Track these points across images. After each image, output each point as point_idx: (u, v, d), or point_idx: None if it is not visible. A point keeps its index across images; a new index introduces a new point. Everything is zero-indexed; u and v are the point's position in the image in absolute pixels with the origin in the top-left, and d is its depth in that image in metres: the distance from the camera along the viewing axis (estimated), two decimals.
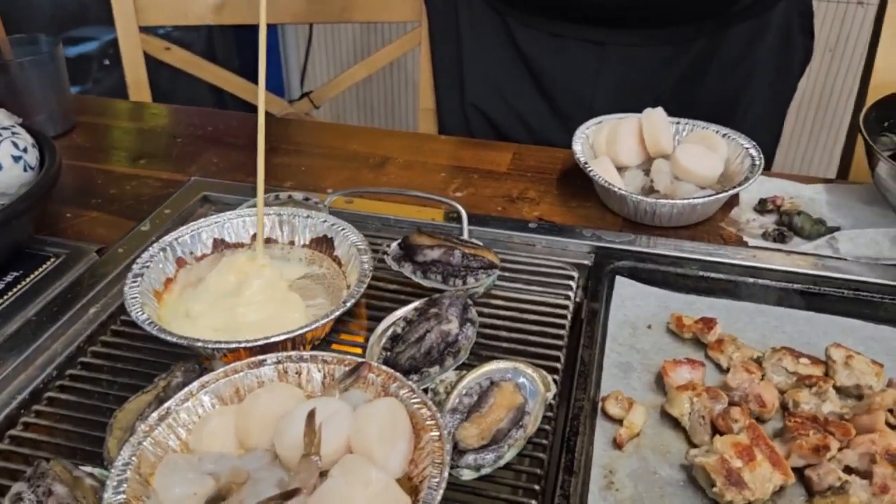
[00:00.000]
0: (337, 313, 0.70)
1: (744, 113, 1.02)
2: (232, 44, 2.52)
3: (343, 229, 0.82)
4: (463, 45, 1.26)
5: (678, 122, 1.01)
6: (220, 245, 0.83)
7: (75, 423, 0.68)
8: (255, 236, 0.83)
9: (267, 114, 1.71)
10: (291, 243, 0.84)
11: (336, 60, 2.83)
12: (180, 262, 0.80)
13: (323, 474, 0.55)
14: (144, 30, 1.49)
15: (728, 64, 1.11)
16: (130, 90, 1.50)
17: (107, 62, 2.14)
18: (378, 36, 2.67)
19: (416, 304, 0.75)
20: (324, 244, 0.83)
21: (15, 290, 0.82)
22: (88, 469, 0.59)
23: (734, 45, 1.10)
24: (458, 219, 0.90)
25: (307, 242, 0.84)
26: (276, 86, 2.83)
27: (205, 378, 0.63)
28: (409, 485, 0.56)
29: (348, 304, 0.71)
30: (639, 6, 1.07)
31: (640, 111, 0.99)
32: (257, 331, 0.69)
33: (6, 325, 0.77)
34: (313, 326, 0.69)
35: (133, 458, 0.56)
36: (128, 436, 0.61)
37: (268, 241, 0.84)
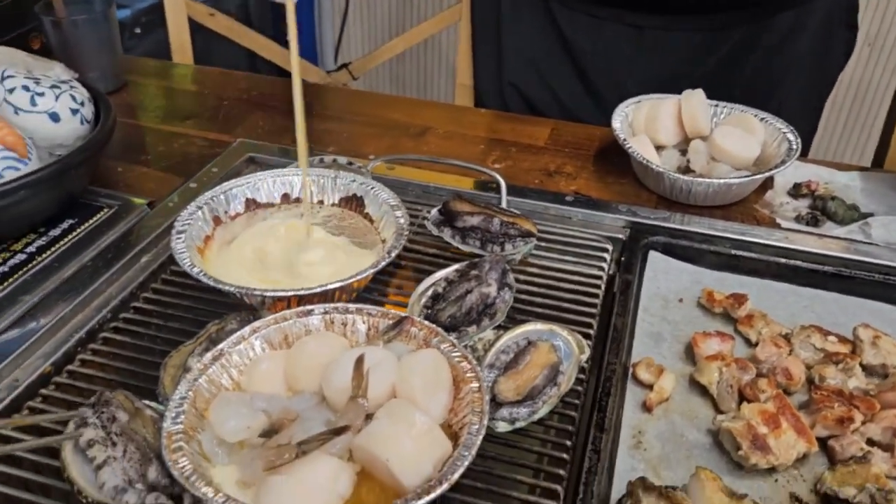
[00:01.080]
0: (382, 264, 0.73)
1: (779, 103, 1.03)
2: (268, 12, 2.54)
3: (373, 188, 0.84)
4: (503, 22, 1.28)
5: (717, 105, 1.02)
6: (252, 205, 0.86)
7: (128, 361, 0.72)
8: (285, 196, 0.86)
9: (307, 82, 1.74)
10: (320, 202, 0.87)
11: (371, 34, 2.85)
12: (216, 221, 0.82)
13: (368, 417, 0.58)
14: None
15: (766, 53, 1.12)
16: (174, 54, 1.53)
17: (138, 30, 2.17)
18: (414, 11, 2.68)
19: (456, 266, 0.77)
20: (353, 203, 0.86)
21: (70, 236, 0.85)
22: (146, 402, 0.62)
23: (774, 35, 1.10)
24: (497, 189, 0.92)
25: (336, 202, 0.87)
26: (310, 57, 2.85)
27: (256, 324, 0.66)
28: (449, 432, 0.59)
29: (392, 255, 0.74)
30: None
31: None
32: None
33: (63, 269, 0.81)
34: (359, 277, 0.72)
35: (189, 393, 0.59)
36: (182, 373, 0.64)
37: (297, 200, 0.87)
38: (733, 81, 1.07)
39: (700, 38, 1.10)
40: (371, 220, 0.84)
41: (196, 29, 1.59)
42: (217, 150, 1.03)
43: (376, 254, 0.80)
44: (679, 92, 1.00)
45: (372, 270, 0.73)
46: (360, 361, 0.58)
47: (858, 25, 1.18)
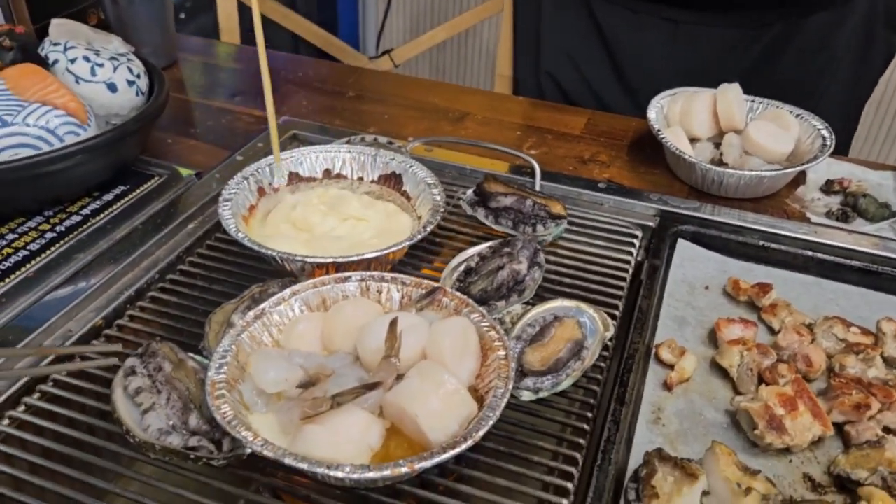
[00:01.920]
0: (418, 237, 0.76)
1: (816, 103, 1.03)
2: None
3: (411, 166, 0.87)
4: (543, 13, 1.30)
5: (752, 101, 1.03)
6: (294, 178, 0.89)
7: (173, 319, 0.76)
8: (327, 171, 0.90)
9: (349, 65, 1.78)
10: (360, 179, 0.90)
11: (412, 22, 2.88)
12: (261, 192, 0.86)
13: (399, 377, 0.61)
14: None
15: (804, 52, 1.12)
16: (223, 34, 1.58)
17: (182, 15, 2.23)
18: (456, 2, 2.71)
19: (490, 243, 0.80)
20: (392, 180, 0.89)
21: (123, 201, 0.90)
22: (190, 354, 0.66)
23: (812, 34, 1.10)
24: (532, 173, 0.95)
25: (375, 178, 0.90)
26: (352, 43, 2.89)
27: (296, 287, 0.70)
28: (476, 396, 0.62)
29: (428, 229, 0.77)
30: None
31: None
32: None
33: (115, 232, 0.85)
34: (394, 248, 0.75)
35: (232, 347, 0.63)
36: (225, 328, 0.68)
37: (338, 176, 0.90)
38: (767, 79, 1.07)
39: (735, 35, 1.11)
40: (408, 198, 0.88)
41: (244, 11, 1.63)
42: (262, 127, 1.07)
43: (413, 225, 0.83)
44: (713, 87, 1.01)
45: (408, 243, 0.76)
46: (394, 324, 0.61)
47: None
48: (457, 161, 1.00)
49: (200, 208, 0.90)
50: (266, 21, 1.70)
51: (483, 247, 0.80)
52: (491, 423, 0.56)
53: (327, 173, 0.90)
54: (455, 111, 1.13)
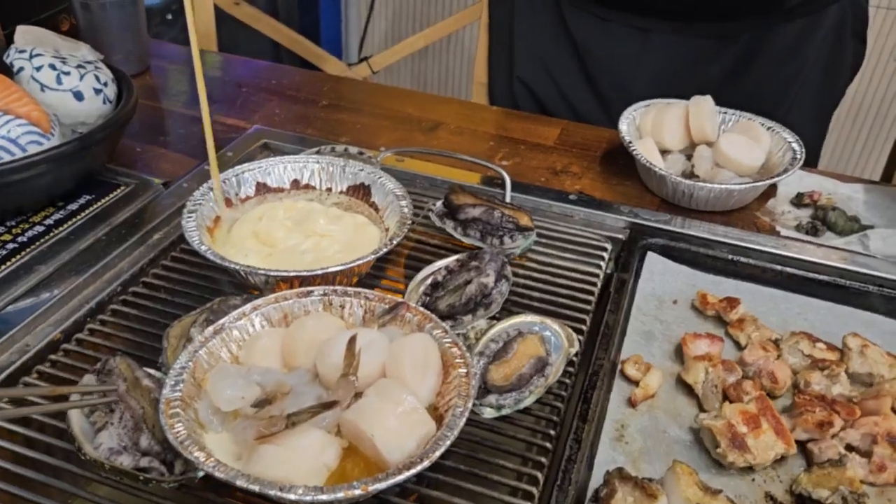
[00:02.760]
0: (384, 250, 0.76)
1: (786, 112, 1.03)
2: (295, 5, 2.58)
3: (380, 177, 0.87)
4: (515, 19, 1.30)
5: (725, 112, 1.03)
6: (262, 189, 0.88)
7: (134, 332, 0.75)
8: (295, 182, 0.89)
9: (325, 73, 1.76)
10: (329, 190, 0.89)
11: (396, 28, 2.87)
12: (227, 202, 0.85)
13: (358, 395, 0.60)
14: None
15: (773, 62, 1.12)
16: (200, 40, 1.56)
17: (169, 17, 2.22)
18: (439, 7, 2.70)
19: (457, 256, 0.79)
20: (360, 191, 0.88)
21: (87, 211, 0.89)
22: (149, 370, 0.65)
23: (782, 44, 1.11)
24: (503, 184, 0.94)
25: (344, 189, 0.89)
26: (335, 48, 2.89)
27: (257, 301, 0.69)
28: (435, 414, 0.61)
29: (395, 242, 0.76)
30: None
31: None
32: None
33: (77, 242, 0.84)
34: (360, 262, 0.74)
35: (189, 363, 0.62)
36: (183, 342, 0.67)
37: (306, 187, 0.89)
38: (739, 88, 1.08)
39: (707, 45, 1.11)
40: (377, 209, 0.87)
41: (223, 19, 1.62)
42: (233, 136, 1.06)
43: (381, 238, 0.83)
44: (684, 97, 1.01)
45: (373, 256, 0.75)
46: (352, 341, 0.61)
47: (868, 39, 1.18)
48: (428, 172, 0.99)
49: (166, 219, 0.89)
50: (246, 29, 1.69)
51: (450, 260, 0.79)
52: (448, 442, 0.56)
53: (295, 184, 0.90)
54: (428, 121, 1.12)
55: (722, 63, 1.12)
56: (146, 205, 0.91)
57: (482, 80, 1.53)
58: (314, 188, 0.90)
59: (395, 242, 0.77)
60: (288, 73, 1.25)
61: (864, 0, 1.15)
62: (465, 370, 0.62)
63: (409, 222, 0.80)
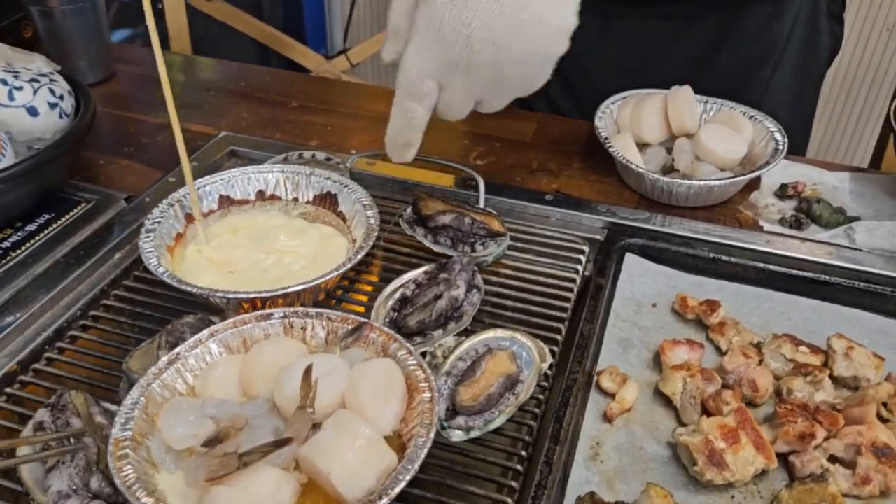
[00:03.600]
0: (348, 266, 0.73)
1: (760, 96, 1.00)
2: (279, 3, 2.53)
3: (347, 186, 0.84)
4: None
5: (706, 101, 1.00)
6: (226, 202, 0.86)
7: (94, 360, 0.72)
8: (260, 193, 0.86)
9: (298, 71, 1.73)
10: (295, 200, 0.87)
11: (380, 16, 2.82)
12: (189, 218, 0.82)
13: (316, 426, 0.58)
14: None
15: (740, 45, 1.08)
16: (172, 40, 1.53)
17: (160, 6, 2.18)
18: None
19: (426, 267, 0.77)
20: (327, 200, 0.85)
21: (45, 232, 0.86)
22: (106, 405, 0.63)
23: (747, 27, 1.07)
24: (477, 187, 0.91)
25: (311, 199, 0.86)
26: (320, 40, 2.84)
27: (214, 327, 0.66)
28: (399, 442, 0.59)
29: (359, 256, 0.74)
30: None
31: (641, 86, 0.99)
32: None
33: (36, 265, 0.81)
34: (324, 279, 0.71)
35: (141, 399, 0.60)
36: (138, 377, 0.64)
37: (272, 198, 0.86)
38: (706, 73, 1.03)
39: (668, 28, 1.06)
40: (344, 219, 0.84)
41: (202, 20, 1.58)
42: (200, 143, 1.03)
43: (349, 249, 0.80)
44: (648, 84, 0.98)
45: (336, 273, 0.73)
46: (308, 371, 0.58)
47: (845, 18, 1.14)
48: (400, 175, 0.96)
49: (128, 236, 0.86)
50: (229, 30, 1.65)
51: (419, 272, 0.76)
52: (409, 476, 0.53)
53: (261, 195, 0.87)
54: None
55: (685, 47, 1.08)
56: (108, 222, 0.88)
57: None
58: (280, 199, 0.87)
59: (359, 256, 0.74)
60: (257, 73, 1.22)
61: None
62: (429, 395, 0.59)
63: (376, 233, 0.78)
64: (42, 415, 0.62)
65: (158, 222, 0.79)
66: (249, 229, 0.82)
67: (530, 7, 0.66)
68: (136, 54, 1.29)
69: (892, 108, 0.91)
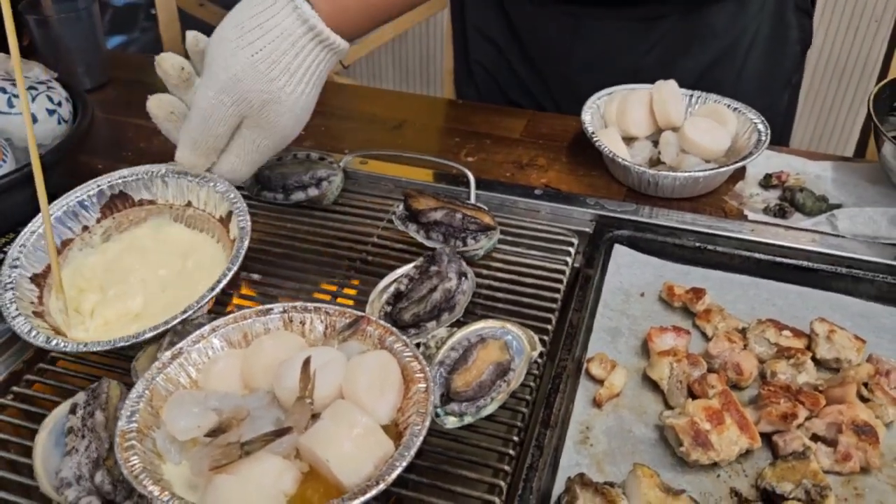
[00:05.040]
0: (222, 284, 0.72)
1: (730, 91, 1.02)
2: None
3: (208, 180, 0.83)
4: (466, 4, 1.28)
5: (691, 95, 1.02)
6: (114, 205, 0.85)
7: (99, 359, 0.74)
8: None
9: None
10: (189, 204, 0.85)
11: None
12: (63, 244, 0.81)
13: (315, 417, 0.60)
14: None
15: (705, 42, 1.11)
16: (165, 45, 1.55)
17: (154, 11, 2.20)
18: None
19: (415, 262, 0.79)
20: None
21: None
22: None
23: (711, 23, 1.09)
24: (468, 183, 0.93)
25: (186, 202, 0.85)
26: None
27: (216, 322, 0.68)
28: (396, 430, 0.61)
29: (232, 271, 0.73)
30: None
31: (618, 83, 1.01)
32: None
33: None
34: (197, 307, 0.70)
35: (146, 392, 0.62)
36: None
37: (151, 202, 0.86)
38: (677, 70, 1.06)
39: (637, 28, 1.09)
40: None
41: (197, 25, 1.60)
42: None
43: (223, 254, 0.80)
44: (623, 81, 1.01)
45: (211, 294, 0.71)
46: (306, 363, 0.60)
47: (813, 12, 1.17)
48: (393, 173, 0.98)
49: None
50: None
51: (409, 267, 0.79)
52: (405, 463, 0.56)
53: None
54: (393, 119, 1.11)
55: (657, 45, 1.10)
56: None
57: (450, 66, 1.51)
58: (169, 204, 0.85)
59: (232, 272, 0.73)
60: None
61: None
62: (424, 385, 0.61)
63: (247, 240, 0.76)
64: (79, 397, 0.64)
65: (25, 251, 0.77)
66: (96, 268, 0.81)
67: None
68: (131, 60, 1.31)
69: (871, 97, 0.93)
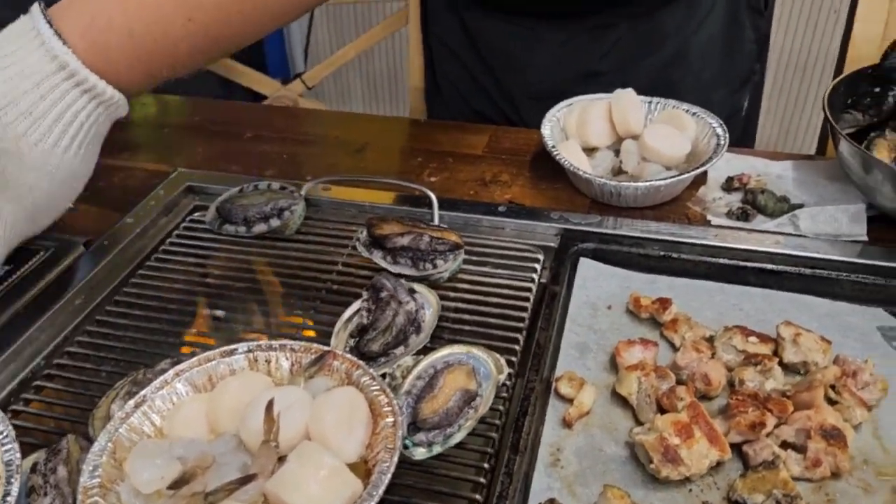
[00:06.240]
0: None
1: (685, 95, 1.03)
2: None
3: None
4: (429, 18, 1.29)
5: (650, 101, 1.03)
6: None
7: (62, 410, 0.73)
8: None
9: (253, 100, 1.73)
10: None
11: (339, 38, 2.83)
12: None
13: (282, 459, 0.59)
14: None
15: (661, 42, 1.12)
16: None
17: None
18: (380, 13, 2.67)
19: (362, 297, 0.78)
20: None
21: (5, 284, 0.86)
22: None
23: (667, 27, 1.11)
24: (431, 204, 0.93)
25: None
26: (280, 64, 2.85)
27: (179, 366, 0.67)
28: (365, 468, 0.60)
29: None
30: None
31: (578, 91, 1.02)
32: None
33: None
34: None
35: (109, 444, 0.61)
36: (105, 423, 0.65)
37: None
38: (634, 76, 1.07)
39: (591, 36, 1.10)
40: None
41: None
42: (157, 182, 1.03)
43: None
44: (582, 86, 1.01)
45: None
46: (270, 406, 0.59)
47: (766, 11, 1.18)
48: (356, 198, 0.98)
49: (89, 281, 0.87)
50: None
51: (359, 303, 0.78)
52: (374, 502, 0.55)
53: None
54: (355, 142, 1.11)
55: (612, 53, 1.11)
56: (67, 268, 0.89)
57: (417, 84, 1.51)
58: None
59: None
60: (210, 106, 1.23)
61: None
62: (391, 419, 0.61)
63: None
64: (38, 456, 0.63)
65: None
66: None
67: None
68: None
69: (826, 94, 0.94)
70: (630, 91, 1.00)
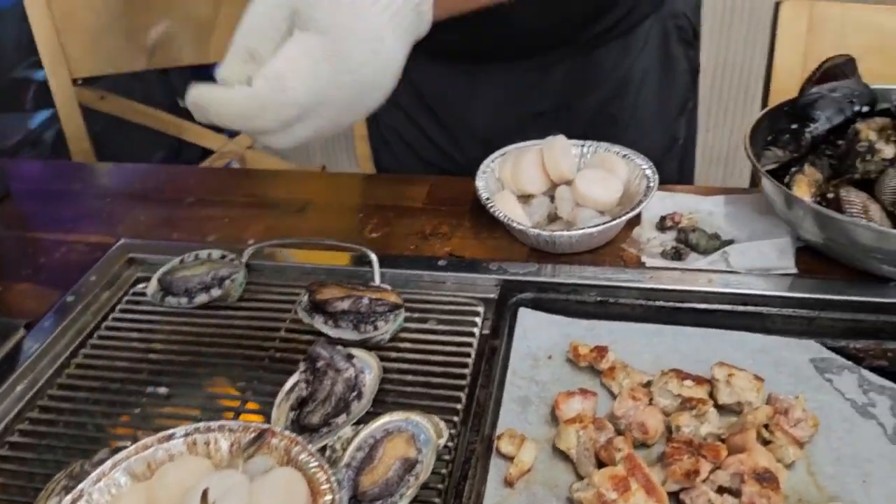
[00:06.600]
0: None
1: (625, 127, 1.06)
2: (187, 76, 2.54)
3: None
4: None
5: (583, 145, 1.05)
6: None
7: (2, 502, 0.72)
8: None
9: (203, 155, 1.74)
10: None
11: None
12: None
13: None
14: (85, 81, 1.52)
15: (600, 79, 1.16)
16: (71, 144, 1.53)
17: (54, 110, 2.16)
18: None
19: (300, 369, 0.78)
20: None
21: None
22: None
23: (604, 63, 1.14)
24: (371, 263, 0.94)
25: None
26: None
27: (117, 456, 0.67)
28: None
29: None
30: (486, 47, 1.10)
31: (521, 131, 1.04)
32: None
33: None
34: None
35: None
36: None
37: None
38: (575, 114, 1.10)
39: (530, 77, 1.13)
40: None
41: (103, 119, 1.58)
42: (99, 255, 1.03)
43: None
44: (526, 126, 1.03)
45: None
46: (204, 496, 0.60)
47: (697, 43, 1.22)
48: (297, 260, 0.98)
49: (30, 365, 0.86)
50: (140, 128, 1.64)
51: (297, 375, 0.78)
52: None
53: None
54: (296, 202, 1.12)
55: (551, 92, 1.14)
56: (7, 353, 0.88)
57: (362, 132, 1.53)
58: None
59: None
60: (151, 172, 1.23)
61: (685, 11, 1.18)
62: (330, 497, 0.61)
63: None
64: None
65: None
66: None
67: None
68: (30, 170, 1.29)
69: (748, 132, 0.97)
70: (561, 137, 1.02)
